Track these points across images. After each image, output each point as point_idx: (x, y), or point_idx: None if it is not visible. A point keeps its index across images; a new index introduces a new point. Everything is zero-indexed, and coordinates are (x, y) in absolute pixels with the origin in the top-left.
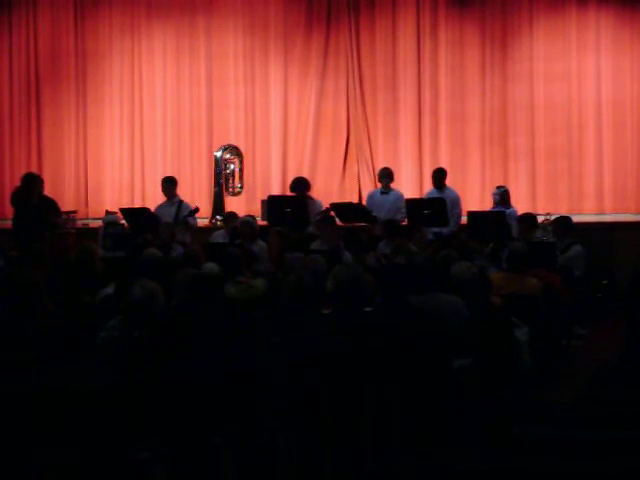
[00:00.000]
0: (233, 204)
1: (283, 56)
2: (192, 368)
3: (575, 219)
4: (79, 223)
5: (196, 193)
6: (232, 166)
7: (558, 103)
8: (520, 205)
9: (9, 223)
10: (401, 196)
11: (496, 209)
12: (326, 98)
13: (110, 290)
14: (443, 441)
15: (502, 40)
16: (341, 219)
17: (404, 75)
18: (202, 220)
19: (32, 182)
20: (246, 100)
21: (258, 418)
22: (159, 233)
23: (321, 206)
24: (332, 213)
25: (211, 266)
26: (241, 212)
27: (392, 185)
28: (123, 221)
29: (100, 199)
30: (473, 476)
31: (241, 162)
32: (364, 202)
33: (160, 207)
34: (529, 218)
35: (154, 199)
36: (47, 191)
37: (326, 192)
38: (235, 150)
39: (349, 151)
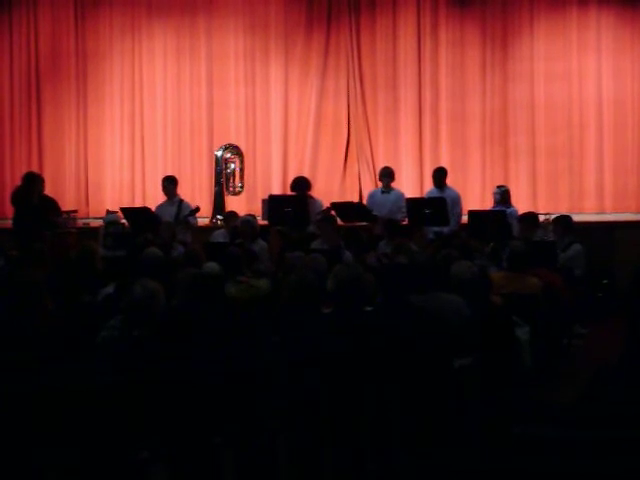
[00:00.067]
0: (234, 203)
1: (284, 56)
2: (192, 368)
3: (576, 218)
4: (80, 222)
5: (197, 192)
6: (233, 165)
7: (559, 103)
8: (521, 204)
9: (9, 222)
10: (402, 195)
11: (497, 208)
12: (327, 98)
13: (110, 289)
14: (443, 441)
15: (503, 40)
16: (342, 218)
17: (405, 75)
18: (203, 219)
19: (32, 181)
20: (247, 100)
21: (258, 418)
22: (160, 232)
23: (322, 205)
24: (333, 212)
25: (212, 266)
26: (242, 211)
27: (393, 184)
28: (124, 220)
29: (101, 198)
30: (473, 476)
31: (242, 161)
32: (364, 201)
33: (161, 206)
34: (531, 217)
35: (155, 198)
36: (48, 190)
37: (327, 191)
38: (236, 149)
39: (350, 150)
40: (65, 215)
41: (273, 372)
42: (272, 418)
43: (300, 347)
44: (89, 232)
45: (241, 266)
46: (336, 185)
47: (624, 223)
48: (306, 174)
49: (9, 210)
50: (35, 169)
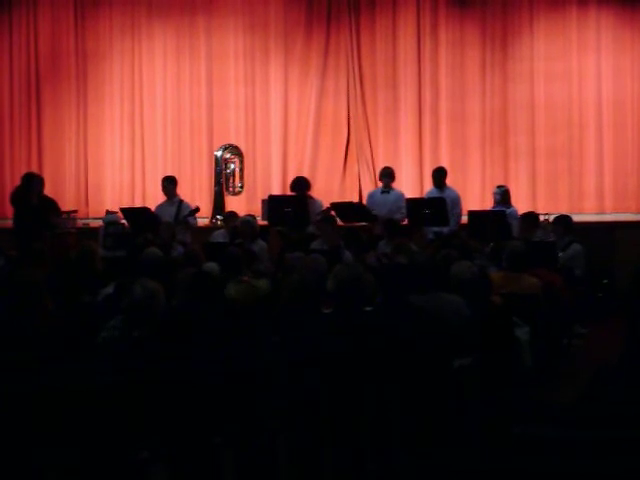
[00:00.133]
0: (233, 204)
1: (283, 56)
2: (192, 368)
3: (575, 219)
4: (79, 223)
5: (196, 193)
6: (232, 166)
7: (558, 103)
8: (520, 205)
9: (9, 222)
10: (402, 195)
11: (497, 208)
12: (326, 98)
13: (110, 290)
14: (443, 441)
15: (502, 40)
16: (341, 219)
17: (404, 75)
18: (202, 220)
19: (32, 181)
20: (246, 100)
21: (258, 418)
22: (159, 233)
23: (321, 206)
24: (332, 213)
25: (211, 266)
26: (241, 212)
27: (393, 185)
28: (123, 221)
29: (100, 199)
30: (473, 476)
31: (241, 162)
32: (364, 201)
33: (160, 207)
34: (531, 217)
35: (154, 199)
36: (47, 190)
37: (326, 191)
38: (235, 150)
39: (349, 151)
40: (65, 215)
41: (273, 372)
42: (272, 418)
43: (300, 347)
44: (89, 232)
45: (241, 266)
46: (336, 185)
47: (624, 223)
48: (306, 174)
49: (9, 210)
50: (35, 169)
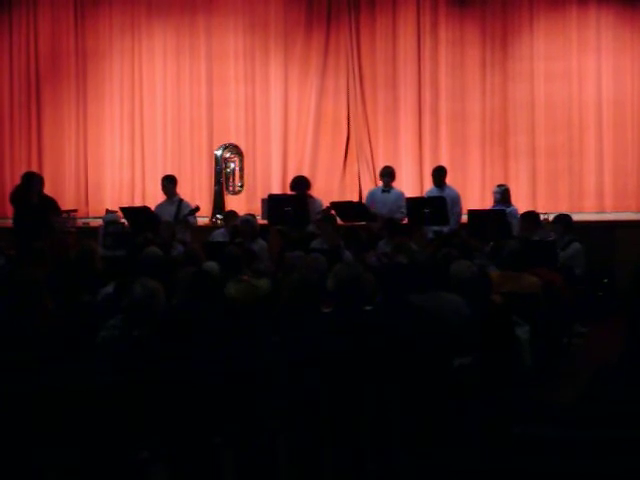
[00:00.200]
0: (233, 203)
1: (283, 55)
2: (192, 368)
3: (576, 218)
4: (79, 222)
5: (196, 192)
6: (232, 165)
7: (558, 102)
8: (520, 204)
9: (9, 222)
10: (402, 195)
11: (497, 208)
12: (326, 97)
13: (110, 289)
14: (443, 441)
15: (502, 39)
16: (341, 218)
17: (404, 74)
18: (202, 219)
19: (31, 180)
20: (246, 99)
21: (258, 418)
22: (159, 232)
23: (321, 205)
24: (332, 212)
25: (211, 265)
26: (241, 211)
27: (393, 184)
28: (123, 220)
29: (100, 198)
30: (473, 476)
31: (241, 161)
32: (364, 200)
33: (160, 206)
34: (532, 216)
35: (154, 198)
36: (47, 190)
37: (326, 191)
38: (235, 149)
39: (349, 150)
40: (65, 215)
41: (273, 372)
42: (272, 418)
43: (300, 347)
44: (89, 232)
45: (241, 265)
46: (336, 184)
47: (624, 222)
48: (306, 173)
49: (9, 209)
50: (35, 169)
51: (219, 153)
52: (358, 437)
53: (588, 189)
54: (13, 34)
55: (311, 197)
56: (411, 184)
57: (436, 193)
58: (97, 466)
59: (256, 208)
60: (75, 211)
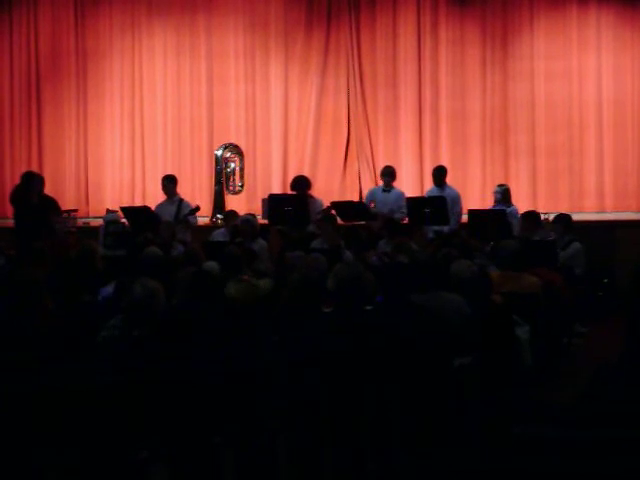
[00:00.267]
0: (233, 202)
1: (284, 54)
2: (192, 368)
3: (576, 217)
4: (80, 222)
5: (196, 191)
6: (232, 164)
7: (559, 101)
8: (521, 203)
9: (9, 222)
10: (402, 195)
11: (497, 207)
12: (326, 96)
13: (111, 289)
14: (443, 441)
15: (503, 38)
16: (342, 217)
17: (405, 73)
18: (202, 219)
19: (31, 180)
20: (247, 98)
21: (258, 418)
22: (159, 232)
23: (322, 205)
24: (333, 212)
25: (211, 265)
26: (241, 211)
27: (393, 184)
28: (124, 219)
29: (101, 197)
30: (473, 476)
31: (242, 160)
32: (364, 199)
33: (160, 206)
34: (532, 215)
35: (154, 197)
36: (48, 189)
37: (327, 190)
38: (235, 148)
39: (350, 149)
40: (65, 214)
41: (273, 372)
42: (272, 418)
43: (300, 347)
44: (89, 231)
45: (241, 265)
46: (336, 184)
47: (624, 222)
48: (306, 173)
49: (9, 209)
50: (35, 168)
51: (219, 153)
52: (358, 437)
53: (588, 189)
54: (13, 33)
55: (311, 197)
56: (411, 183)
57: (436, 193)
58: (97, 466)
59: (256, 208)
60: (75, 211)
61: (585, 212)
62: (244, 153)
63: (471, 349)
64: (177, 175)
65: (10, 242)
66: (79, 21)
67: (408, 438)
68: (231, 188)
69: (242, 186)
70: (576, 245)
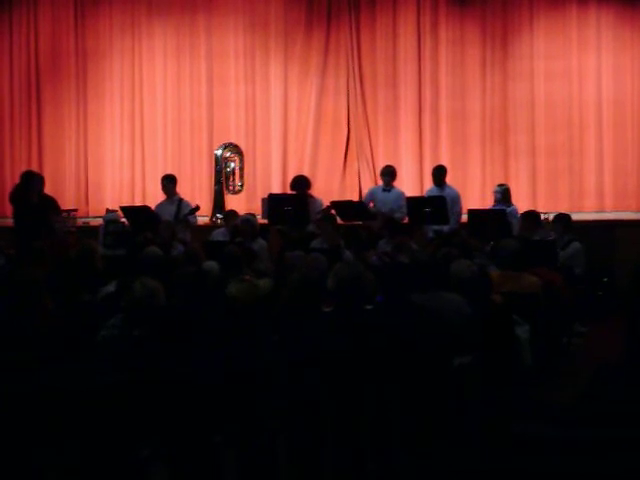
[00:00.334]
0: (233, 202)
1: (283, 54)
2: (192, 368)
3: (575, 217)
4: (79, 221)
5: (196, 191)
6: (232, 164)
7: (559, 101)
8: (521, 203)
9: (9, 221)
10: (402, 194)
11: (497, 207)
12: (326, 96)
13: (111, 288)
14: (443, 441)
15: (503, 38)
16: (342, 217)
17: (404, 73)
18: (202, 218)
19: (31, 180)
20: (246, 98)
21: (258, 418)
22: (159, 231)
23: (322, 204)
24: (332, 211)
25: (211, 264)
26: (241, 210)
27: (394, 184)
28: (123, 219)
29: (100, 197)
30: (473, 476)
31: (241, 160)
32: (364, 198)
33: (160, 205)
34: (532, 215)
35: (154, 197)
36: (47, 189)
37: (326, 190)
38: (235, 148)
39: (349, 149)
40: (65, 214)
41: (273, 372)
42: (272, 418)
43: (300, 347)
44: (89, 231)
45: (241, 265)
46: (336, 184)
47: (624, 222)
48: (306, 173)
49: (9, 209)
50: (35, 168)
51: (219, 152)
52: (358, 437)
53: (588, 188)
54: (13, 33)
55: (311, 196)
56: (411, 183)
57: (436, 192)
58: (97, 466)
59: (256, 207)
60: (75, 210)
61: (585, 212)
62: (244, 153)
63: (471, 349)
64: (177, 175)
65: (10, 242)
66: (79, 21)
67: (408, 438)
68: (231, 188)
69: (242, 186)
70: (576, 245)
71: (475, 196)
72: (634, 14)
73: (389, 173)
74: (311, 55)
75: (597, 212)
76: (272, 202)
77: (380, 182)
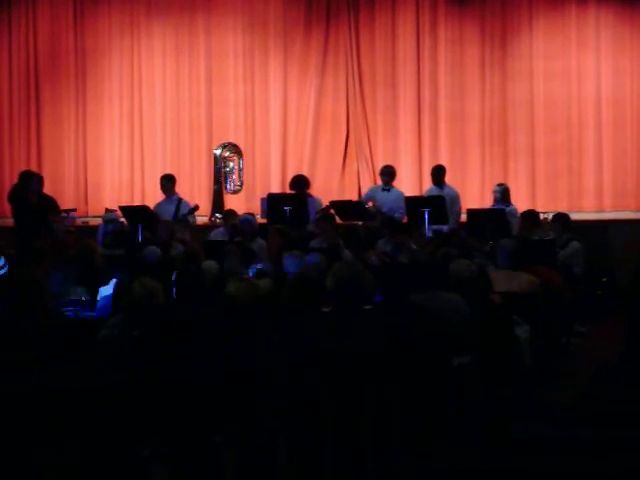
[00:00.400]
0: (232, 202)
1: (283, 54)
2: (192, 368)
3: (575, 217)
4: (79, 221)
5: (195, 191)
6: (231, 164)
7: (558, 101)
8: (520, 203)
9: (9, 221)
10: (401, 194)
11: (496, 207)
12: (325, 96)
13: (111, 288)
14: (443, 441)
15: (502, 38)
16: (340, 217)
17: (404, 73)
18: (201, 218)
19: (29, 180)
20: (245, 98)
21: (258, 418)
22: (158, 231)
23: (321, 204)
24: (332, 211)
25: (210, 264)
26: (240, 210)
27: (393, 183)
28: (122, 219)
29: (100, 197)
30: (473, 476)
31: (240, 160)
32: (363, 197)
33: (159, 205)
34: (532, 215)
35: (153, 197)
36: (47, 189)
37: (326, 190)
38: (234, 148)
39: (348, 149)
40: (64, 214)
41: (273, 372)
42: (272, 418)
43: (300, 347)
44: (88, 230)
45: (240, 265)
46: (335, 183)
47: (623, 221)
48: (305, 172)
49: (8, 208)
50: (34, 168)
51: (218, 152)
52: (358, 437)
53: (587, 188)
54: (12, 33)
55: (310, 196)
56: (410, 183)
57: (435, 192)
58: (97, 466)
59: (255, 207)
60: (74, 210)
61: (584, 211)
62: (243, 152)
63: (470, 349)
64: (176, 174)
65: (10, 241)
66: (78, 20)
67: (408, 438)
68: (230, 187)
69: (241, 185)
70: (575, 244)
71: (474, 196)
72: (633, 14)
73: (388, 173)
74: (310, 55)
75: (596, 212)
76: (271, 202)
77: (379, 182)
